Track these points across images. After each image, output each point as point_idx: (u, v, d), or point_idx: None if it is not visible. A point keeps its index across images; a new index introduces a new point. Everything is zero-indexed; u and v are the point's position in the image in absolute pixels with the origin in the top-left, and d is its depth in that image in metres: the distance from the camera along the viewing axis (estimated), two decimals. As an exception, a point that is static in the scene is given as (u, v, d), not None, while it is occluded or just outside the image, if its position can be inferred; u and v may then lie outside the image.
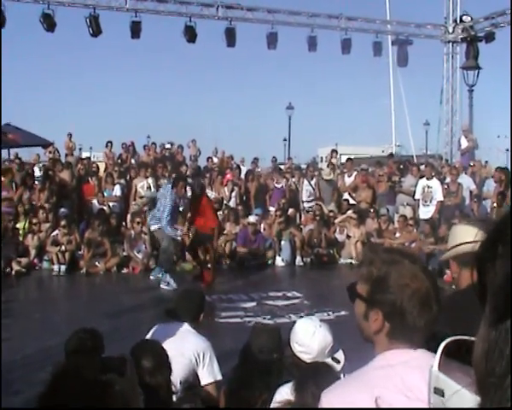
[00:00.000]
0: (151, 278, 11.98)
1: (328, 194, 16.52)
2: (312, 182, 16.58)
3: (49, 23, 16.08)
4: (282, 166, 19.98)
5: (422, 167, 16.30)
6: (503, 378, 0.71)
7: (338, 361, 3.42)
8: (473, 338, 0.88)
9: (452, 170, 15.63)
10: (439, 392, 1.11)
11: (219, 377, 4.41)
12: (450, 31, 19.96)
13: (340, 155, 23.88)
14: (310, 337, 3.41)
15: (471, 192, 15.23)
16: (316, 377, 2.90)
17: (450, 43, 20.15)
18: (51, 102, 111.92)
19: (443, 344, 1.22)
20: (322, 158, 39.60)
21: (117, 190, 15.35)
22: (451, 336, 1.22)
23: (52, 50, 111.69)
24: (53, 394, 1.69)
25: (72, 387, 1.65)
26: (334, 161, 18.60)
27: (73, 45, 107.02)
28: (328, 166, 18.04)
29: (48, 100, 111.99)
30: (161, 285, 11.32)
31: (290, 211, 15.55)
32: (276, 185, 16.42)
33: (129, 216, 14.62)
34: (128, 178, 16.11)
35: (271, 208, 15.68)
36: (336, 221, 15.42)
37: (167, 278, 11.38)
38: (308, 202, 16.24)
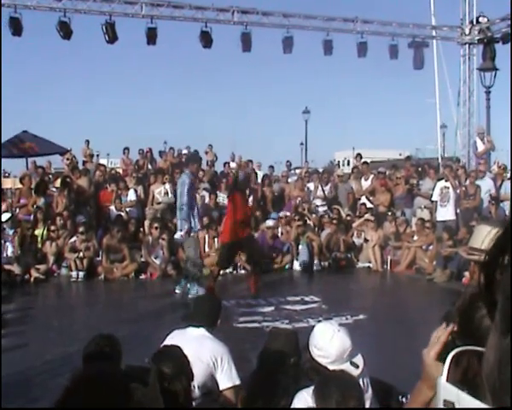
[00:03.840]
0: (176, 292, 11.28)
1: (343, 198, 16.49)
2: (327, 187, 16.54)
3: (65, 31, 16.16)
4: (297, 171, 19.87)
5: (441, 170, 16.18)
6: None
7: (357, 366, 3.39)
8: (482, 349, 0.85)
9: (471, 173, 15.48)
10: (449, 404, 1.08)
11: (238, 382, 4.37)
12: (467, 32, 19.82)
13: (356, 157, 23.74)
14: (328, 341, 3.39)
15: (491, 195, 15.06)
16: (338, 384, 2.87)
17: (467, 45, 19.99)
18: (68, 109, 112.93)
19: (451, 354, 1.20)
20: (338, 162, 39.46)
21: (131, 195, 15.37)
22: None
23: (68, 58, 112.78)
24: (71, 400, 1.69)
25: (92, 393, 1.65)
26: (358, 164, 18.40)
27: (90, 52, 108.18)
28: (352, 171, 17.96)
29: (65, 107, 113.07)
30: (190, 296, 10.59)
31: (313, 217, 15.45)
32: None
33: (146, 222, 14.63)
34: (146, 184, 16.15)
35: (287, 213, 15.62)
36: (354, 225, 15.36)
37: (196, 287, 10.79)
38: (322, 206, 16.21)
